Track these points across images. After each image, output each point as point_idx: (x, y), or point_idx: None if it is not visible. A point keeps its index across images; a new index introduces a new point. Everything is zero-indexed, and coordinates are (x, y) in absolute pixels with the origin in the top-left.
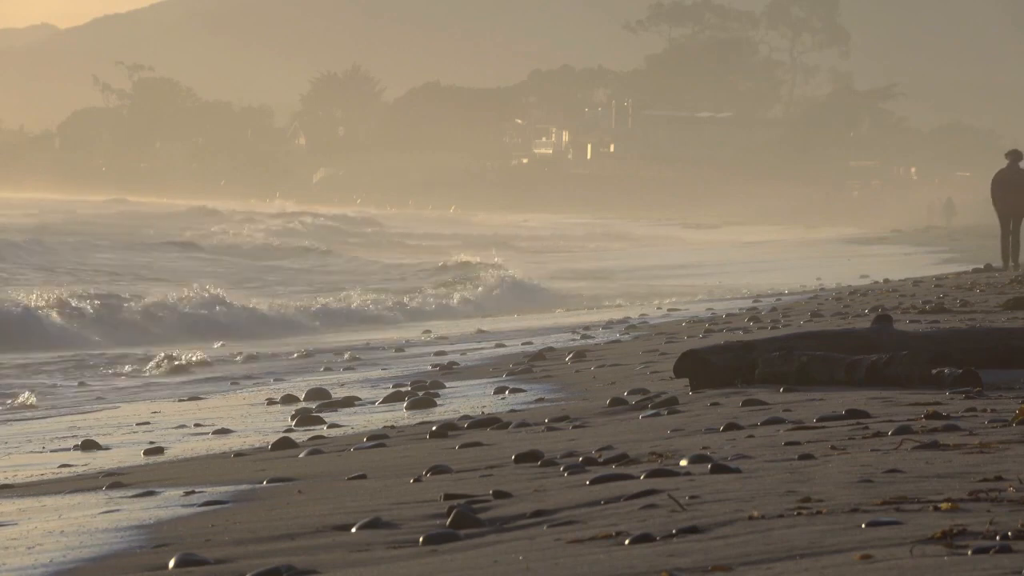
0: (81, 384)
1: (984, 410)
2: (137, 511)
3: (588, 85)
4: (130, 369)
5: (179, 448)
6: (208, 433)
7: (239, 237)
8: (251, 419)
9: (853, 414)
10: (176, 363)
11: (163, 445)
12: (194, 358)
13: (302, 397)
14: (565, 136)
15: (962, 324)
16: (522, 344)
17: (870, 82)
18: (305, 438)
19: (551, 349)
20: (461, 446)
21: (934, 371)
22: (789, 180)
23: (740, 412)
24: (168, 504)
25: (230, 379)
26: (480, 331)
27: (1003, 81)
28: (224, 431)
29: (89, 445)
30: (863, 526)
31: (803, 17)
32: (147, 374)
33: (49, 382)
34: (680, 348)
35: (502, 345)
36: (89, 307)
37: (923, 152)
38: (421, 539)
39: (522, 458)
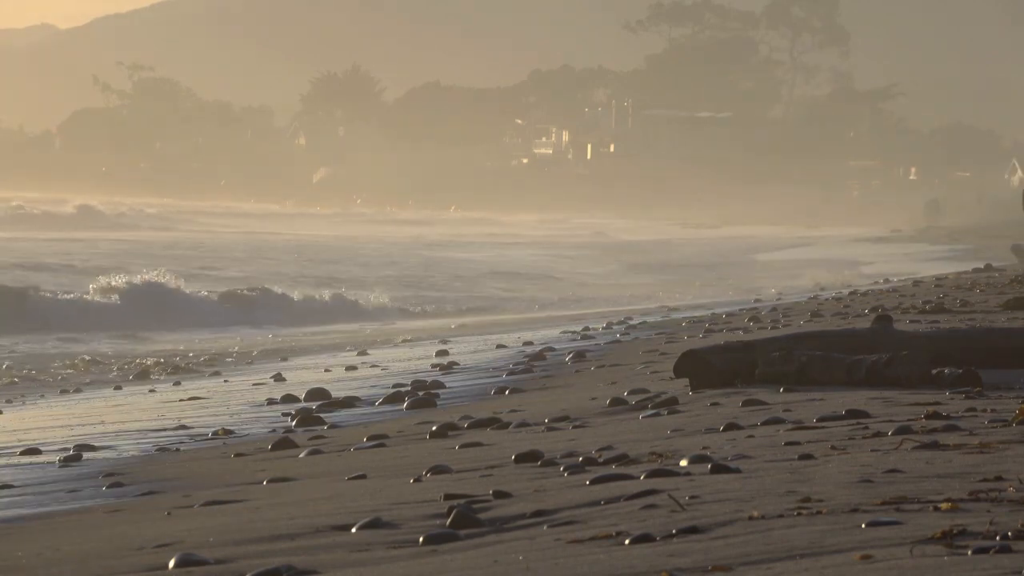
0: None
1: (984, 410)
2: (137, 510)
3: (588, 85)
4: None
5: (179, 448)
6: (208, 434)
7: None
8: (251, 419)
9: (853, 414)
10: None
11: (163, 445)
12: None
13: (302, 397)
14: (565, 136)
15: (962, 324)
16: (522, 344)
17: (870, 82)
18: (305, 438)
19: (551, 349)
20: (461, 446)
21: (934, 371)
22: (789, 180)
23: (740, 412)
24: (167, 503)
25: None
26: None
27: (1003, 81)
28: (224, 431)
29: (89, 445)
30: (863, 526)
31: (803, 17)
32: None
33: None
34: (680, 348)
35: (502, 346)
36: None
37: (923, 152)
38: (421, 539)
39: (522, 458)
